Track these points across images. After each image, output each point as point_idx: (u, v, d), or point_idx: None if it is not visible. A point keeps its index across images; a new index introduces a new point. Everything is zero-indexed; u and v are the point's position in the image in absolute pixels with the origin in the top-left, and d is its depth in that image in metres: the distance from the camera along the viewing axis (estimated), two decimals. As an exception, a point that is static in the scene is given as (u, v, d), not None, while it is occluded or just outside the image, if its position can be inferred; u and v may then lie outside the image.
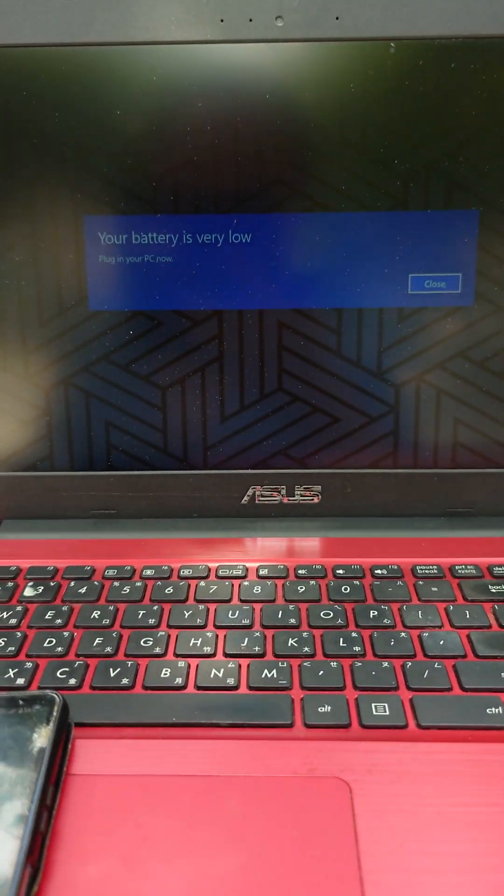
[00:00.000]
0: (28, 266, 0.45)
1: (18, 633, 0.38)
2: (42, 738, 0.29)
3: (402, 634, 0.37)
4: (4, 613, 0.39)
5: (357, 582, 0.41)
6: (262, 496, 0.48)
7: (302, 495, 0.48)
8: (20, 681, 0.35)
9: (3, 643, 0.37)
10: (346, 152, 0.43)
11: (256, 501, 0.48)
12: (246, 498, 0.48)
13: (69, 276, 0.45)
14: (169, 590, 0.41)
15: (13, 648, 0.37)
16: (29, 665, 0.35)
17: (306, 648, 0.36)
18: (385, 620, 0.38)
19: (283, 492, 0.48)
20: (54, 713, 0.30)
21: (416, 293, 0.45)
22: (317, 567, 0.43)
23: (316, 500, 0.48)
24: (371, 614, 0.39)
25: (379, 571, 0.42)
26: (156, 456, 0.48)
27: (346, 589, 0.41)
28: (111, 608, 0.40)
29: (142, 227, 0.44)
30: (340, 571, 0.43)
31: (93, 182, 0.43)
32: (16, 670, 0.35)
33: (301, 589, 0.41)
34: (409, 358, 0.46)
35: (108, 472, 0.48)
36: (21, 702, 0.31)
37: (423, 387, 0.46)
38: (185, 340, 0.46)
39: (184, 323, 0.46)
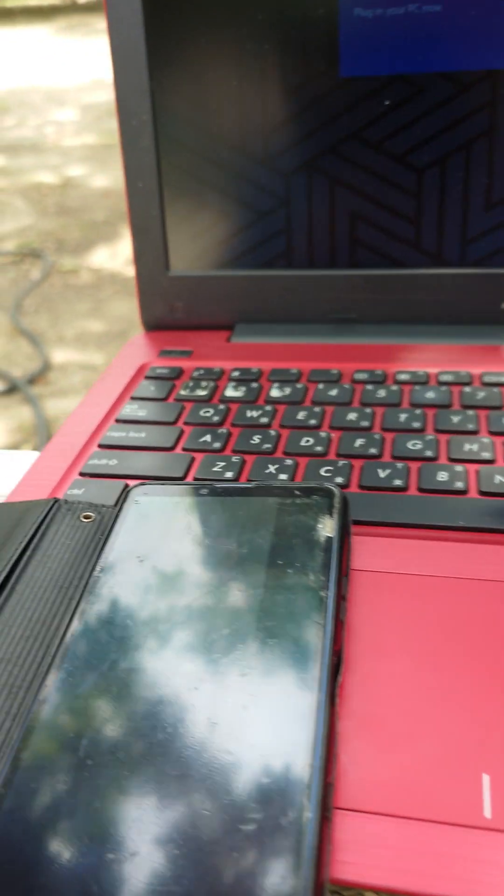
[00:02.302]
0: (272, 27, 0.39)
1: (272, 432, 0.35)
2: (327, 528, 0.27)
3: None
4: (254, 412, 0.37)
5: None
6: (527, 300, 0.42)
7: None
8: (283, 476, 0.32)
9: (258, 440, 0.35)
10: None
11: (519, 306, 0.42)
12: (506, 302, 0.42)
13: (319, 35, 0.39)
14: (430, 395, 0.37)
15: (269, 445, 0.34)
16: (289, 462, 0.33)
17: None
18: None
19: (553, 295, 0.42)
20: (335, 504, 0.27)
21: None
22: None
23: None
24: None
25: None
26: (405, 252, 0.43)
27: None
28: (367, 410, 0.36)
29: (408, -36, 0.37)
30: None
31: None
32: (276, 466, 0.33)
33: None
34: None
35: (350, 271, 0.43)
36: (297, 492, 0.28)
37: None
38: (449, 110, 0.39)
39: (449, 88, 0.39)
